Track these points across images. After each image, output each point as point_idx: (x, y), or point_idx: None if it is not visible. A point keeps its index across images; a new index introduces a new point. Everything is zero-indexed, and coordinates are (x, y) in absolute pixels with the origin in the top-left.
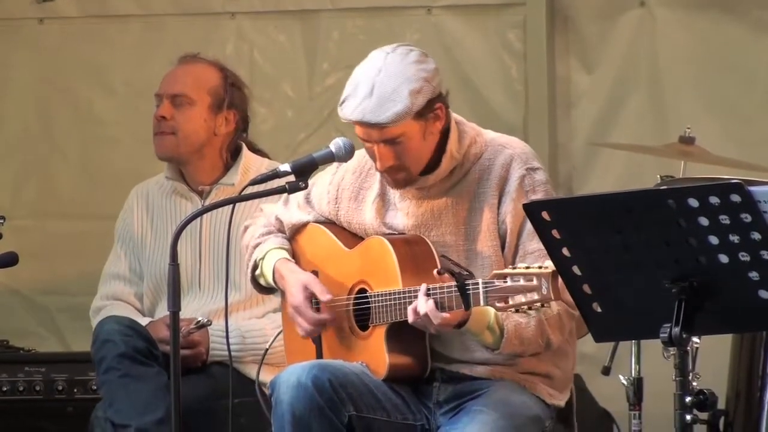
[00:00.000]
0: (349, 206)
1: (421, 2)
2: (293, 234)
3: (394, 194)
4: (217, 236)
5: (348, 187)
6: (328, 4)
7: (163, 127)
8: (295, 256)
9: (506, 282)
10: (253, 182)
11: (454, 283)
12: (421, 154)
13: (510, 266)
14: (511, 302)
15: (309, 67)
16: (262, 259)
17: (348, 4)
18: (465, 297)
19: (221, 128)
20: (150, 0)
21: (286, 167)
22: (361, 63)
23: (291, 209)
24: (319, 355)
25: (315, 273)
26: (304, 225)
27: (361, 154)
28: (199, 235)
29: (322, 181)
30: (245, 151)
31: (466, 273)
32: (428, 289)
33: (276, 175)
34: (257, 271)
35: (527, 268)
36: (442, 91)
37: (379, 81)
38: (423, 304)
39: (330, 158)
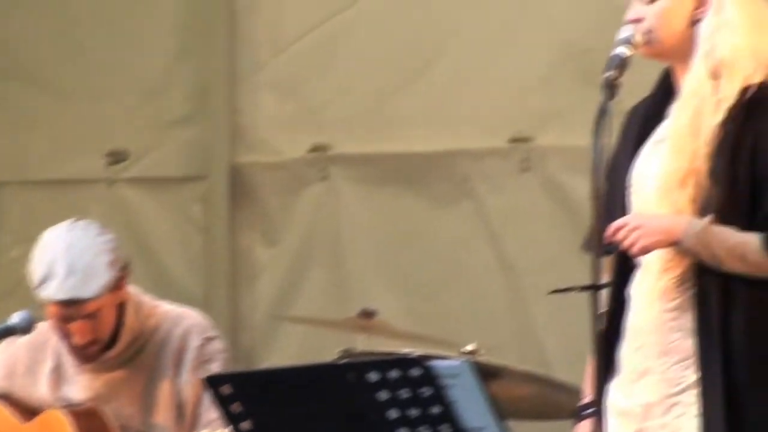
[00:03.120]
0: (24, 382)
1: (103, 175)
2: None
3: (70, 367)
4: None
5: (21, 361)
6: (10, 177)
7: None
8: None
9: None
10: None
11: None
12: (111, 325)
13: None
14: None
15: None
16: None
17: (30, 177)
18: None
19: None
20: None
21: None
22: (40, 244)
23: None
24: None
25: None
26: None
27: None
28: None
29: None
30: None
31: None
32: None
33: None
34: None
35: None
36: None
37: (75, 257)
38: None
39: (10, 332)
